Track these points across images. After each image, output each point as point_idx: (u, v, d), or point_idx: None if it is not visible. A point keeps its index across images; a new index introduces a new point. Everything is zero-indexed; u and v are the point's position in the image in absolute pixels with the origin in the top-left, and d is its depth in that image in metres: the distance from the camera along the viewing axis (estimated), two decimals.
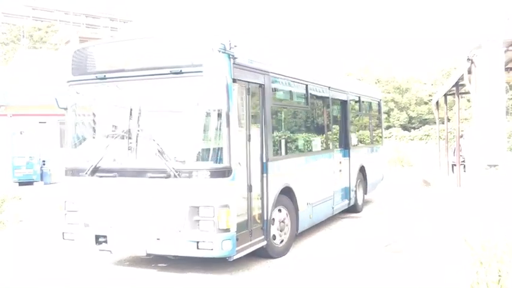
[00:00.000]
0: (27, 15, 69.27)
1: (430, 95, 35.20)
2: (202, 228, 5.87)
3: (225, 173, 5.89)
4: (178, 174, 5.94)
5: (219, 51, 5.78)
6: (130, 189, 6.18)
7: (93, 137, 6.81)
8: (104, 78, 6.45)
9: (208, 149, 5.97)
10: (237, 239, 6.03)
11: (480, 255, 5.31)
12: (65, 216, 6.60)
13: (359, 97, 11.74)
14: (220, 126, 5.87)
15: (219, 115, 5.86)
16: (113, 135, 6.44)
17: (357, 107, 11.75)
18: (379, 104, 13.69)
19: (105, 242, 6.32)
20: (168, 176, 5.97)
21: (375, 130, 13.23)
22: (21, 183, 20.15)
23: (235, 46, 5.98)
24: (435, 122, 21.90)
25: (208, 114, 5.92)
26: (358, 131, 11.84)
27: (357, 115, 11.83)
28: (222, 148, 5.89)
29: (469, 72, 10.58)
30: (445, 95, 16.33)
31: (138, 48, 6.36)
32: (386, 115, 40.27)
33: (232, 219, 5.92)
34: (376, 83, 40.27)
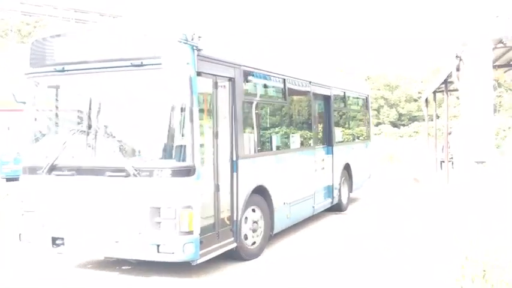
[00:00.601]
0: (15, 10, 68.21)
1: (419, 92, 35.16)
2: (163, 231, 5.52)
3: (188, 171, 5.53)
4: (139, 173, 5.58)
5: (180, 42, 5.41)
6: (88, 188, 5.81)
7: (52, 133, 6.42)
8: (63, 70, 6.07)
9: (171, 146, 5.61)
10: (201, 242, 5.68)
11: (466, 250, 5.28)
12: (22, 217, 6.23)
13: (344, 92, 11.39)
14: (183, 122, 5.51)
15: (182, 110, 5.50)
16: (71, 131, 6.07)
17: (341, 102, 11.40)
18: (366, 100, 13.30)
19: (63, 244, 5.96)
20: (128, 175, 5.61)
21: (362, 126, 12.88)
22: (8, 179, 19.77)
23: (199, 37, 5.61)
24: (424, 119, 21.86)
25: (170, 109, 5.55)
26: (343, 127, 11.49)
27: (342, 111, 11.48)
28: (185, 145, 5.53)
29: (458, 69, 10.45)
30: (434, 92, 16.25)
31: (98, 40, 5.97)
32: (376, 112, 40.04)
33: (196, 221, 5.57)
34: (366, 79, 40.07)
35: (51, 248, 6.02)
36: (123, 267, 6.51)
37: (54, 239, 5.99)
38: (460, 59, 10.06)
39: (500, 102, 32.12)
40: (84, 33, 6.13)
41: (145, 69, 5.62)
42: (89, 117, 5.93)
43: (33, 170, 6.16)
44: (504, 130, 25.65)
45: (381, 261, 6.60)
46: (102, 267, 6.55)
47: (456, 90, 13.56)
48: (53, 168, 6.00)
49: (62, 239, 5.94)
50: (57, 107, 6.43)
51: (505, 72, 13.50)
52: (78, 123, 6.06)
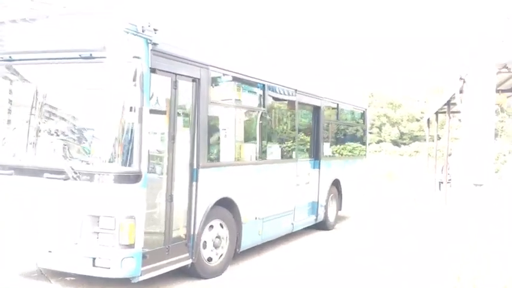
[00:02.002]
0: (24, 6, 68.53)
1: (422, 112, 34.91)
2: (102, 242, 4.94)
3: (133, 178, 4.96)
4: (78, 177, 5.02)
5: (127, 32, 4.87)
6: (26, 190, 5.26)
7: None
8: (10, 59, 5.57)
9: (116, 149, 5.01)
10: (144, 257, 5.10)
11: (458, 270, 5.29)
12: None
13: (337, 104, 10.77)
14: (130, 122, 4.95)
15: (130, 109, 4.94)
16: (14, 126, 5.55)
17: (334, 115, 10.78)
18: (363, 114, 12.67)
19: None
20: (67, 178, 5.05)
21: (356, 141, 12.23)
22: None
23: (154, 30, 5.06)
24: (425, 139, 21.48)
25: (117, 107, 4.98)
26: (334, 141, 10.86)
27: (334, 124, 10.86)
28: (131, 149, 4.97)
29: (461, 91, 10.16)
30: (437, 113, 15.90)
31: (48, 28, 5.43)
32: (378, 129, 39.53)
33: (139, 234, 4.99)
34: (369, 96, 39.67)
35: None
36: (67, 278, 5.94)
37: None
38: (464, 82, 9.80)
39: (502, 127, 31.59)
40: (34, 21, 5.60)
41: (95, 62, 5.07)
42: (33, 112, 5.41)
43: None
44: (504, 155, 25.13)
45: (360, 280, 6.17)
46: (47, 277, 5.99)
47: (458, 112, 13.27)
48: None
49: None
50: (5, 99, 5.90)
51: (508, 97, 13.21)
52: (23, 118, 5.53)
